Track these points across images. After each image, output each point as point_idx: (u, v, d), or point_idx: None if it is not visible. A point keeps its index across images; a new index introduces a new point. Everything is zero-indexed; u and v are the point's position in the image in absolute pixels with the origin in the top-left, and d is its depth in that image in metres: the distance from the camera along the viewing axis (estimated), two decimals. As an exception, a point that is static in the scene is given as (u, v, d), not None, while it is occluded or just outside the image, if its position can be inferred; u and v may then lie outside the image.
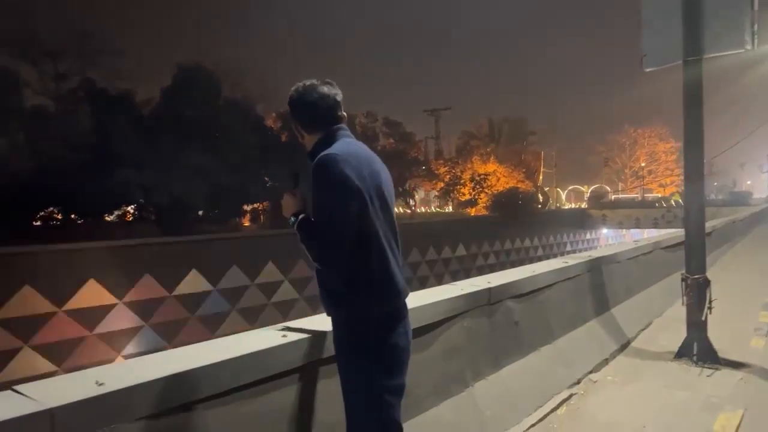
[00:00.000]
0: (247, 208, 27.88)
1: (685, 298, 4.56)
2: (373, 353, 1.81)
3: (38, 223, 19.05)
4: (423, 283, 23.21)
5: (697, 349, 4.43)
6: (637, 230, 44.64)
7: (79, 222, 19.83)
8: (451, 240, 25.07)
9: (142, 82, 25.66)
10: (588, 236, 39.47)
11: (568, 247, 35.04)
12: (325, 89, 1.89)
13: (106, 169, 16.90)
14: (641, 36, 4.86)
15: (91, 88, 21.03)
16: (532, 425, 3.18)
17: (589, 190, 60.37)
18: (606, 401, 3.66)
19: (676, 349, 4.67)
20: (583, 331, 4.49)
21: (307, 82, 1.90)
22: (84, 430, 1.52)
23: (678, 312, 6.42)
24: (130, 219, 22.13)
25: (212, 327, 15.05)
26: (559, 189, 58.50)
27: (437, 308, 2.80)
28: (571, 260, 4.64)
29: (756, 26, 4.27)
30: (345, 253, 1.73)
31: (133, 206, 21.90)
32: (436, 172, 32.26)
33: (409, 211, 33.63)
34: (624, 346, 4.92)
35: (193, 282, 15.03)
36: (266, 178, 26.20)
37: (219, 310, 15.40)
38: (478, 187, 31.32)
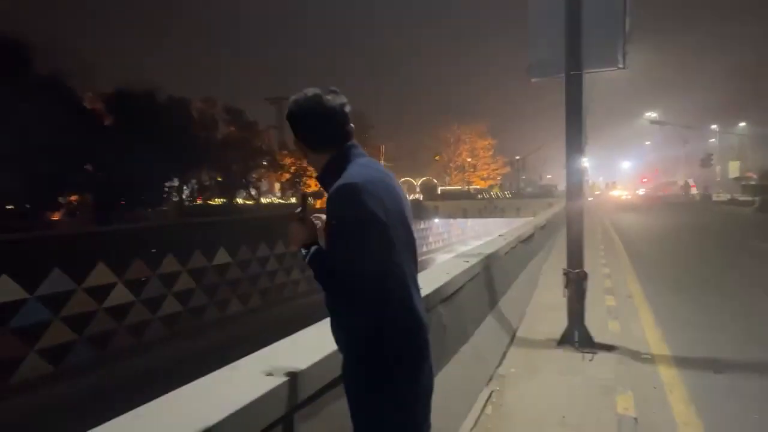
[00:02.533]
0: (65, 200, 24.44)
1: (566, 290, 5.02)
2: (398, 395, 1.61)
3: None
4: (272, 278, 22.64)
5: (578, 337, 4.93)
6: (463, 220, 49.16)
7: None
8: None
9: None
10: (422, 226, 42.13)
11: (406, 237, 37.15)
12: (331, 99, 1.62)
13: None
14: (528, 48, 5.22)
15: None
16: (471, 430, 3.23)
17: (419, 182, 64.37)
18: (521, 395, 3.86)
19: (555, 336, 5.14)
20: (486, 327, 4.70)
21: (309, 92, 1.62)
22: None
23: (541, 298, 7.16)
24: None
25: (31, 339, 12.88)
26: (392, 181, 61.26)
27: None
28: (471, 259, 4.81)
29: (626, 48, 4.84)
30: (368, 292, 1.53)
31: None
32: (281, 162, 31.51)
33: (251, 202, 32.50)
34: (513, 338, 5.28)
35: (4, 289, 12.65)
36: (88, 167, 23.17)
37: (38, 320, 13.20)
38: (323, 179, 31.37)
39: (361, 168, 1.59)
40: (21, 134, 17.34)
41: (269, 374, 1.87)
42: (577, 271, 4.96)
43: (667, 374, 4.40)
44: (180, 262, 17.69)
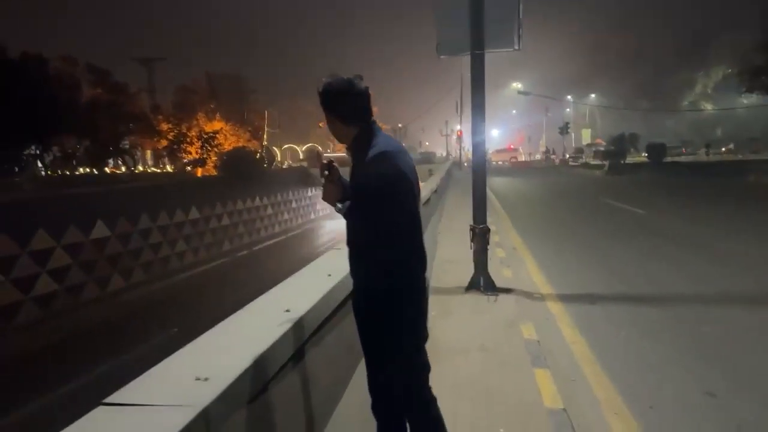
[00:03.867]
0: None
1: (472, 244, 5.77)
2: (413, 313, 2.09)
3: None
4: (156, 251, 21.61)
5: (483, 283, 5.73)
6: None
7: None
8: (181, 203, 23.76)
9: None
10: (309, 194, 42.20)
11: (293, 204, 36.97)
12: (361, 84, 2.01)
13: None
14: (436, 28, 5.74)
15: None
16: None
17: (303, 149, 63.89)
18: (443, 331, 4.52)
19: (461, 284, 5.91)
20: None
21: (343, 77, 1.99)
22: (222, 420, 1.50)
23: (442, 253, 7.95)
24: None
25: None
26: (275, 148, 60.34)
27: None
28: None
29: (521, 31, 5.56)
30: (399, 232, 1.98)
31: None
32: (157, 128, 29.48)
33: (127, 171, 30.24)
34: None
35: None
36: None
37: None
38: (206, 146, 30.04)
39: (388, 140, 2.04)
40: None
41: (287, 310, 2.25)
42: (481, 226, 5.72)
43: (555, 308, 5.36)
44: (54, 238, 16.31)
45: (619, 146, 39.83)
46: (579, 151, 58.06)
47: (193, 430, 1.35)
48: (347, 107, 2.01)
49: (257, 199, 30.48)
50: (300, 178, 38.75)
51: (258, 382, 1.79)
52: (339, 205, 1.98)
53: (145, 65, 38.94)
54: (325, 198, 2.01)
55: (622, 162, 37.11)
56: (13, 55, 22.89)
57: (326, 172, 1.99)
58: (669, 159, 36.76)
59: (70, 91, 26.57)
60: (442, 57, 5.82)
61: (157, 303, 17.33)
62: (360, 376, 2.98)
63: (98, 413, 1.43)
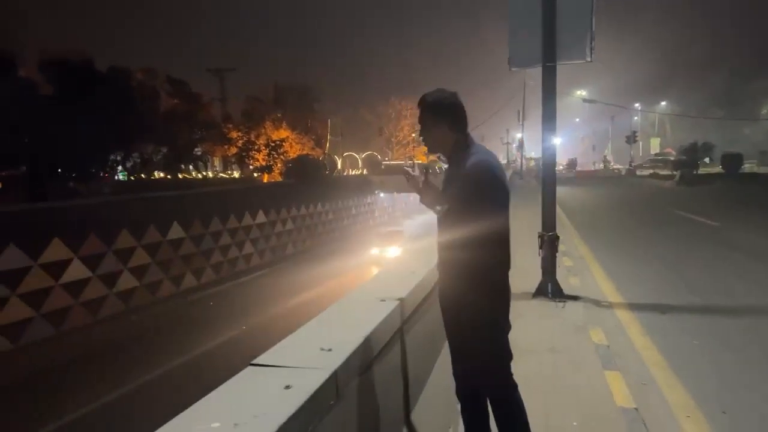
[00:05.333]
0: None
1: (541, 250, 5.90)
2: (499, 313, 2.35)
3: None
4: (225, 253, 22.68)
5: (551, 289, 5.84)
6: (407, 194, 50.25)
7: None
8: (249, 207, 24.84)
9: None
10: (368, 200, 42.83)
11: (353, 211, 37.69)
12: (460, 98, 2.31)
13: None
14: (508, 42, 5.95)
15: None
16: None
17: (362, 157, 64.77)
18: (514, 331, 4.68)
19: (528, 290, 6.04)
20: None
21: (448, 91, 2.30)
22: (345, 384, 1.80)
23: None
24: None
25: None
26: (335, 156, 61.58)
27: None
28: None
29: (593, 43, 5.67)
30: (497, 231, 2.22)
31: None
32: (228, 136, 31.02)
33: (200, 176, 31.96)
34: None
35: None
36: (25, 139, 22.06)
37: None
38: (273, 153, 31.29)
39: (484, 149, 2.31)
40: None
41: (382, 300, 2.56)
42: (550, 233, 5.84)
43: (624, 316, 5.40)
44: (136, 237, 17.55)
45: (690, 156, 38.08)
46: (658, 159, 55.30)
47: (328, 387, 1.67)
48: (455, 116, 2.29)
49: (318, 205, 31.35)
50: (360, 185, 39.43)
51: (367, 357, 2.10)
52: (438, 207, 2.24)
53: (217, 76, 40.97)
54: (423, 201, 2.27)
55: (694, 172, 35.46)
56: (100, 68, 24.83)
57: (423, 179, 2.27)
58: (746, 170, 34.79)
59: (150, 101, 28.47)
60: (512, 70, 6.01)
61: (228, 303, 18.21)
62: (442, 363, 3.26)
63: (248, 372, 1.77)
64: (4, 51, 20.85)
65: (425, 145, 2.46)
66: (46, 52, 23.26)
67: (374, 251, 24.87)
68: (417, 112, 2.36)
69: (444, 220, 2.30)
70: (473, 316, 2.33)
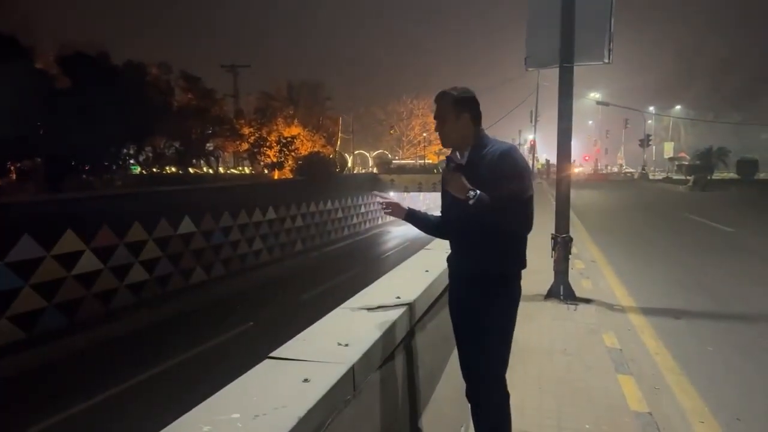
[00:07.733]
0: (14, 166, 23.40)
1: (554, 252, 5.88)
2: (513, 306, 2.33)
3: None
4: (235, 248, 22.80)
5: (563, 291, 5.81)
6: (417, 193, 50.22)
7: None
8: (259, 203, 24.98)
9: None
10: (379, 199, 42.85)
11: (362, 209, 37.73)
12: None
13: None
14: (526, 42, 5.91)
15: None
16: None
17: (373, 155, 64.80)
18: (527, 335, 4.68)
19: (540, 293, 6.01)
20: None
21: (469, 88, 2.33)
22: (362, 379, 1.81)
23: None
24: None
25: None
26: (346, 154, 61.64)
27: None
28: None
29: (612, 44, 5.63)
30: (526, 218, 2.22)
31: None
32: (240, 132, 31.13)
33: (212, 171, 32.07)
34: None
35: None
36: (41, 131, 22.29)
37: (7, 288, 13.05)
38: (284, 150, 31.35)
39: (500, 139, 2.35)
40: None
41: (397, 297, 2.57)
42: (563, 236, 5.81)
43: (637, 320, 5.36)
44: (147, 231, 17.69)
45: (705, 161, 37.67)
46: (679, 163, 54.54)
47: (346, 381, 1.68)
48: (477, 110, 2.35)
49: (329, 202, 31.43)
50: (370, 183, 39.42)
51: (383, 353, 2.10)
52: (471, 193, 2.16)
53: (230, 71, 41.08)
54: (456, 192, 2.20)
55: (709, 177, 35.05)
56: (115, 62, 25.01)
57: (454, 172, 2.26)
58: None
59: (164, 96, 28.63)
60: (528, 70, 5.98)
61: (237, 297, 18.29)
62: (453, 364, 3.25)
63: (267, 365, 1.77)
64: (21, 43, 21.04)
65: (443, 140, 2.44)
66: (64, 46, 23.48)
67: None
68: (429, 111, 2.38)
69: (473, 210, 2.21)
70: (486, 306, 2.33)
